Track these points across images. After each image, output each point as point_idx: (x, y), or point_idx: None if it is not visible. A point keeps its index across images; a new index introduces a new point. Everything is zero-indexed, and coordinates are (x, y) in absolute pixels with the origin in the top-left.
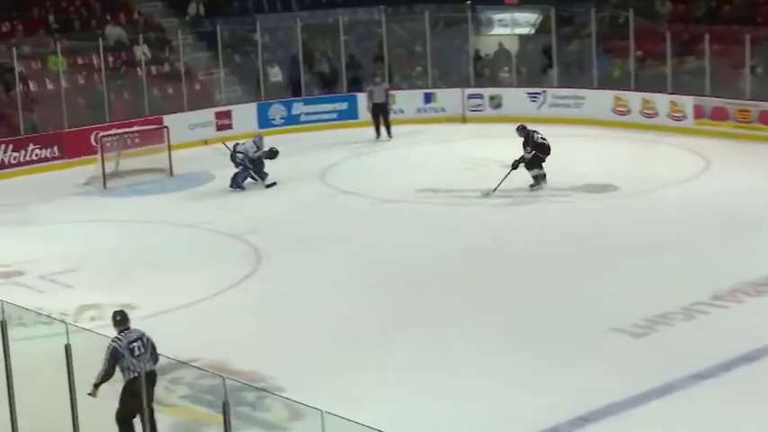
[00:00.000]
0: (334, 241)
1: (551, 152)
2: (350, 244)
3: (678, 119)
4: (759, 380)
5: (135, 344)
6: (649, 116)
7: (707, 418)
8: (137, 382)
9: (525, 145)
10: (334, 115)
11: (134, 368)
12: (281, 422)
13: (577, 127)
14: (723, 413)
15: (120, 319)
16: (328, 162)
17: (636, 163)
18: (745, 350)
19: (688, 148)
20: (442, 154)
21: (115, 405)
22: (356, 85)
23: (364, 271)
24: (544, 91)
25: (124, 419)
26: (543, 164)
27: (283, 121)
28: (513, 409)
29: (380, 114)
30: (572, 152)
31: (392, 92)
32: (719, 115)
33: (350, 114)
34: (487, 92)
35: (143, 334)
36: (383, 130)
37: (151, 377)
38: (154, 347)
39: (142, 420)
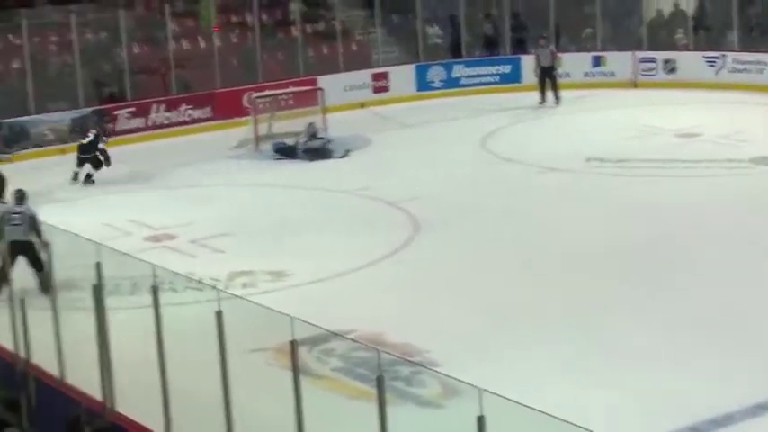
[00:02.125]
0: (495, 212)
1: None
2: (511, 215)
3: None
4: None
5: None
6: None
7: None
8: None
9: None
10: (497, 78)
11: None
12: (436, 398)
13: (758, 95)
14: None
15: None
16: (490, 128)
17: None
18: None
19: None
20: (611, 121)
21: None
22: (521, 46)
23: (526, 245)
24: (723, 55)
25: None
26: None
27: (442, 84)
28: (685, 396)
29: (547, 78)
30: (752, 121)
31: (559, 55)
32: None
33: (513, 78)
34: (661, 55)
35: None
36: (549, 94)
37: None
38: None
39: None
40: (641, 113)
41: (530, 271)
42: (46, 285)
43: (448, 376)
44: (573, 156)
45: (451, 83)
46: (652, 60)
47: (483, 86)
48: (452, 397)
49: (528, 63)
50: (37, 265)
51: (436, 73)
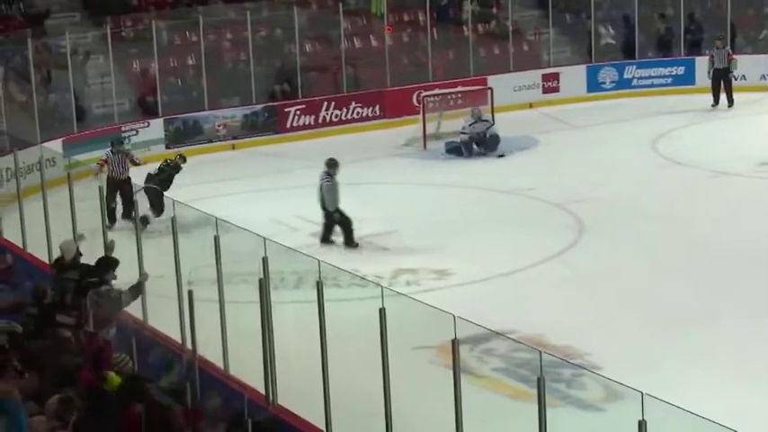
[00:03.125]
0: (663, 216)
1: None
2: (679, 220)
3: None
4: None
5: None
6: None
7: None
8: None
9: None
10: (669, 80)
11: None
12: (598, 402)
13: None
14: None
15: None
16: (661, 130)
17: None
18: None
19: None
20: None
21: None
22: (695, 48)
23: (694, 251)
24: None
25: None
26: None
27: (614, 84)
28: None
29: (721, 80)
30: None
31: (735, 56)
32: None
33: (687, 80)
34: None
35: None
36: (723, 97)
37: None
38: None
39: None
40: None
41: (696, 277)
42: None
43: (610, 379)
44: (745, 160)
45: (623, 84)
46: None
47: (655, 88)
48: (614, 401)
49: (702, 65)
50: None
51: (607, 74)
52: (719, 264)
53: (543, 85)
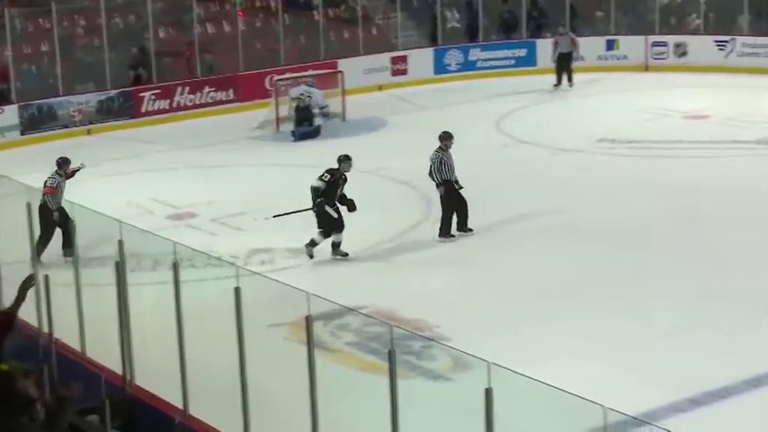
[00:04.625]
0: (510, 192)
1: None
2: (526, 196)
3: None
4: None
5: None
6: None
7: None
8: None
9: None
10: (512, 62)
11: None
12: (446, 372)
13: (767, 77)
14: None
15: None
16: (505, 110)
17: None
18: None
19: None
20: (623, 103)
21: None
22: (539, 32)
23: (540, 224)
24: (733, 39)
25: None
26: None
27: (459, 67)
28: (684, 368)
29: (564, 63)
30: (760, 104)
31: (578, 40)
32: None
33: (529, 61)
34: (672, 39)
35: None
36: (564, 78)
37: None
38: None
39: None
40: (652, 96)
41: (543, 249)
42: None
43: (457, 350)
44: (585, 137)
45: (468, 66)
46: (663, 44)
47: (499, 69)
48: (462, 371)
49: (543, 47)
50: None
51: (453, 56)
52: (568, 234)
53: (392, 67)
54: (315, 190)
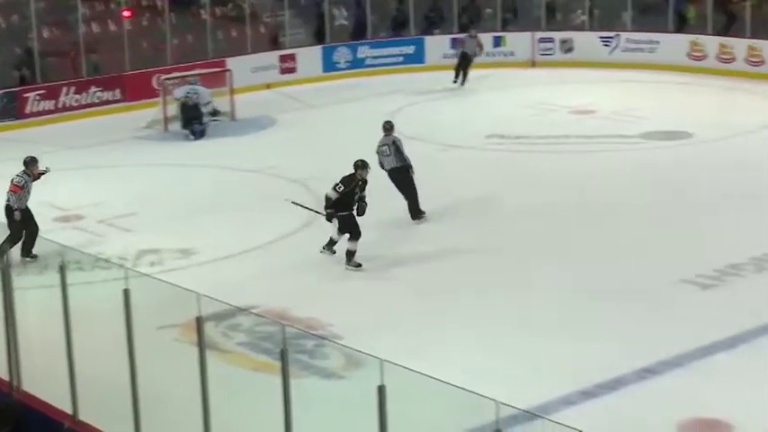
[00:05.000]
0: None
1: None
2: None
3: (756, 64)
4: None
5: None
6: (726, 61)
7: None
8: None
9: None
10: (401, 59)
11: None
12: (339, 370)
13: (651, 72)
14: None
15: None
16: (394, 107)
17: (711, 109)
18: None
19: (765, 95)
20: (511, 99)
21: (173, 351)
22: (430, 29)
23: (430, 219)
24: (617, 35)
25: None
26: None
27: (348, 64)
28: (575, 360)
29: (465, 63)
30: (644, 98)
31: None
32: None
33: (417, 59)
34: (558, 35)
35: None
36: (460, 77)
37: None
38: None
39: None
40: (539, 92)
41: (434, 245)
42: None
43: (349, 348)
44: (474, 133)
45: (357, 63)
46: (550, 40)
47: (388, 67)
48: (354, 369)
49: (432, 44)
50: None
51: (342, 54)
52: (458, 229)
53: (280, 66)
54: (327, 200)
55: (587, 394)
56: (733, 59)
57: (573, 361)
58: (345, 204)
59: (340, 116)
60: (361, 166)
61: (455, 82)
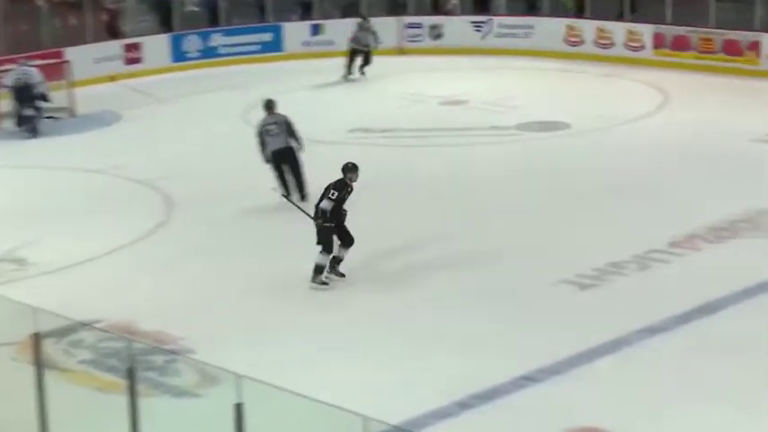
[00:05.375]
0: (257, 188)
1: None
2: (272, 191)
3: (636, 49)
4: (716, 334)
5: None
6: (604, 46)
7: (660, 375)
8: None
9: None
10: (257, 47)
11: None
12: (193, 388)
13: (525, 59)
14: (677, 370)
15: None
16: (250, 99)
17: (589, 98)
18: (703, 301)
19: (646, 82)
20: (377, 89)
21: None
22: (282, 13)
23: (289, 222)
24: (490, 19)
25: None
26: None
27: (199, 54)
28: (450, 369)
29: (358, 55)
30: (519, 86)
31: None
32: (681, 45)
33: (275, 47)
34: (427, 21)
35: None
36: (357, 69)
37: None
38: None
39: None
40: (407, 81)
41: (293, 246)
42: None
43: (204, 363)
44: (337, 127)
45: (209, 53)
46: (418, 26)
47: (243, 56)
48: (210, 385)
49: (290, 30)
50: (297, 170)
51: (192, 43)
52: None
53: (125, 56)
54: (323, 213)
55: (462, 405)
56: (612, 45)
57: (446, 370)
58: (335, 216)
59: (191, 110)
60: (352, 168)
61: (347, 76)
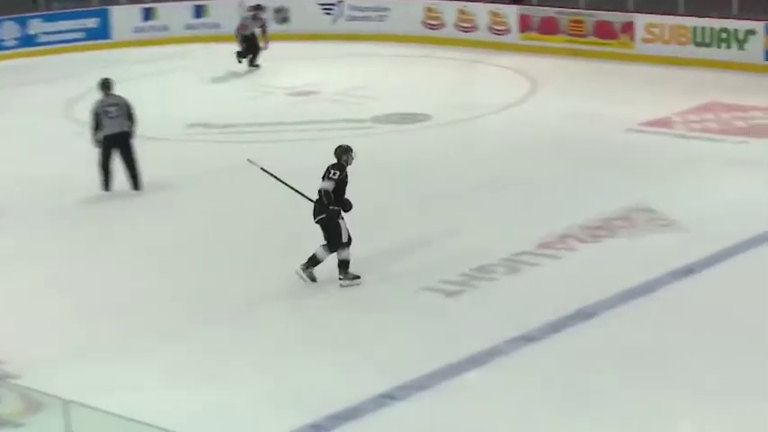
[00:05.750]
0: (80, 192)
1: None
2: (100, 196)
3: (500, 33)
4: (592, 340)
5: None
6: (467, 30)
7: (534, 386)
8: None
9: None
10: (82, 35)
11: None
12: (16, 416)
13: (381, 45)
14: (552, 379)
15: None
16: (75, 92)
17: (450, 87)
18: (577, 306)
19: (512, 68)
20: (218, 80)
21: None
22: None
23: (115, 229)
24: (341, 2)
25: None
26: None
27: (17, 42)
28: (307, 388)
29: (252, 43)
30: (374, 75)
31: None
32: (549, 28)
33: (101, 34)
34: (271, 2)
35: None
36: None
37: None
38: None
39: None
40: (251, 71)
41: (123, 256)
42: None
43: (29, 389)
44: (174, 122)
45: (27, 41)
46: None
47: (66, 44)
48: (35, 412)
49: (118, 14)
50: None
51: (8, 29)
52: (150, 237)
53: None
54: (327, 194)
55: (318, 427)
56: (475, 28)
57: (301, 389)
58: (340, 204)
59: (8, 104)
60: (346, 149)
61: (242, 62)
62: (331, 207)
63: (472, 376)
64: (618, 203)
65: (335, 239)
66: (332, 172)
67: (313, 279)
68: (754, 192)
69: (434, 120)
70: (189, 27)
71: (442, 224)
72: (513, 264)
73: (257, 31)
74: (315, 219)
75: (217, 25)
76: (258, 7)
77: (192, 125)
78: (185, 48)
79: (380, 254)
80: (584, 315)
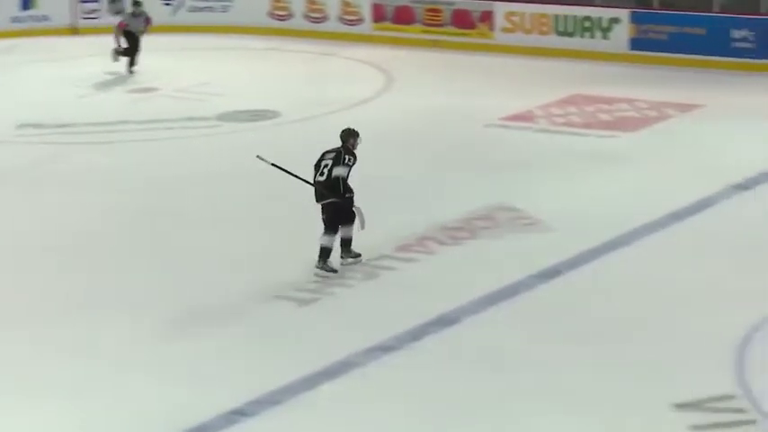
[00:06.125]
0: None
1: None
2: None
3: (353, 23)
4: (453, 347)
5: None
6: (317, 21)
7: (393, 398)
8: None
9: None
10: None
11: None
12: None
13: (224, 37)
14: (412, 390)
15: None
16: None
17: (300, 81)
18: (439, 312)
19: (365, 60)
20: (48, 78)
21: None
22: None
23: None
24: None
25: None
26: None
27: None
28: (150, 403)
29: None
30: (218, 70)
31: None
32: (404, 18)
33: None
34: None
35: None
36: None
37: None
38: None
39: None
40: (85, 66)
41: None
42: None
43: None
44: (2, 122)
45: None
46: (94, 0)
47: None
48: None
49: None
50: None
51: None
52: None
53: None
54: (342, 181)
55: None
56: (325, 18)
57: (145, 405)
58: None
59: None
60: (354, 133)
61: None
62: (347, 195)
63: (326, 389)
64: (479, 202)
65: (336, 222)
66: (346, 158)
67: (334, 270)
68: (621, 188)
69: (283, 116)
70: (15, 20)
71: (291, 228)
72: (370, 269)
73: (141, 28)
74: (319, 201)
75: (46, 18)
76: (137, 3)
77: (22, 126)
78: (11, 42)
79: (233, 262)
80: (444, 322)
